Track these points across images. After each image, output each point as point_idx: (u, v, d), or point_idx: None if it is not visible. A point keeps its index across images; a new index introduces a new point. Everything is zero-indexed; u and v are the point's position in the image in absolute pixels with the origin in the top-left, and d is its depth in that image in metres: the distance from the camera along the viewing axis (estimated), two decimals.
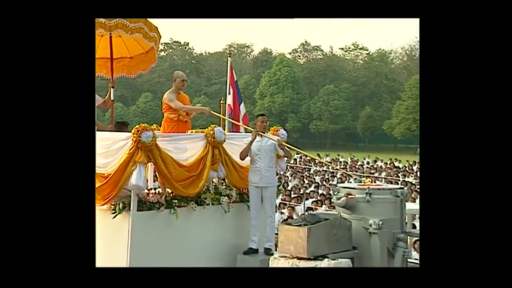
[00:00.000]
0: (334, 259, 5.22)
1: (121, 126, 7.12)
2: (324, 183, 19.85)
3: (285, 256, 5.41)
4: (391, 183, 17.18)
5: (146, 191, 6.13)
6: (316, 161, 25.91)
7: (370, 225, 5.67)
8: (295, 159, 28.40)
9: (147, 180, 6.50)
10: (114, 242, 5.81)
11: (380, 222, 5.64)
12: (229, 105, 9.11)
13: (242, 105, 9.38)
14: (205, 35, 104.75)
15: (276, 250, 6.35)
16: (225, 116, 8.55)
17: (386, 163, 29.87)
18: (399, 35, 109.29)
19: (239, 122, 8.85)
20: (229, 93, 9.24)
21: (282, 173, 19.78)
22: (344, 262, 5.21)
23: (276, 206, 9.02)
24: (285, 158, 7.22)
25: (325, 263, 5.15)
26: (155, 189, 6.57)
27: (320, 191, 16.87)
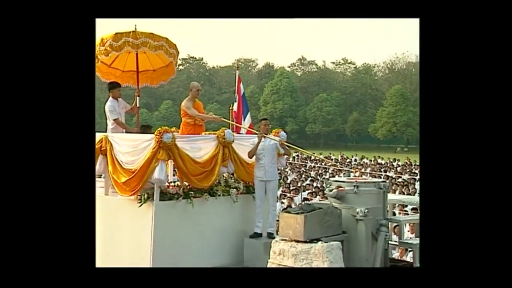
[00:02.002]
0: (327, 242, 5.21)
1: (145, 129, 7.12)
2: (318, 177, 19.82)
3: (285, 239, 5.39)
4: (375, 177, 17.12)
5: (166, 184, 6.15)
6: (312, 158, 25.83)
7: (357, 213, 5.64)
8: (294, 157, 28.32)
9: (168, 175, 6.52)
10: (140, 227, 5.86)
11: (366, 210, 5.61)
12: (234, 111, 9.16)
13: (248, 117, 9.34)
14: (217, 51, 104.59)
15: (277, 234, 6.32)
16: (233, 121, 8.55)
17: (370, 160, 29.81)
18: (381, 51, 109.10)
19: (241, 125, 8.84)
20: (236, 101, 9.29)
21: (282, 168, 19.69)
22: (335, 245, 5.20)
23: (277, 197, 8.97)
24: (285, 156, 7.18)
25: (319, 245, 5.14)
26: (174, 182, 6.58)
27: (314, 184, 16.83)
